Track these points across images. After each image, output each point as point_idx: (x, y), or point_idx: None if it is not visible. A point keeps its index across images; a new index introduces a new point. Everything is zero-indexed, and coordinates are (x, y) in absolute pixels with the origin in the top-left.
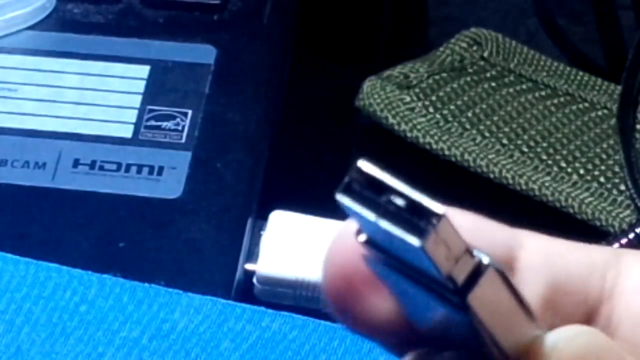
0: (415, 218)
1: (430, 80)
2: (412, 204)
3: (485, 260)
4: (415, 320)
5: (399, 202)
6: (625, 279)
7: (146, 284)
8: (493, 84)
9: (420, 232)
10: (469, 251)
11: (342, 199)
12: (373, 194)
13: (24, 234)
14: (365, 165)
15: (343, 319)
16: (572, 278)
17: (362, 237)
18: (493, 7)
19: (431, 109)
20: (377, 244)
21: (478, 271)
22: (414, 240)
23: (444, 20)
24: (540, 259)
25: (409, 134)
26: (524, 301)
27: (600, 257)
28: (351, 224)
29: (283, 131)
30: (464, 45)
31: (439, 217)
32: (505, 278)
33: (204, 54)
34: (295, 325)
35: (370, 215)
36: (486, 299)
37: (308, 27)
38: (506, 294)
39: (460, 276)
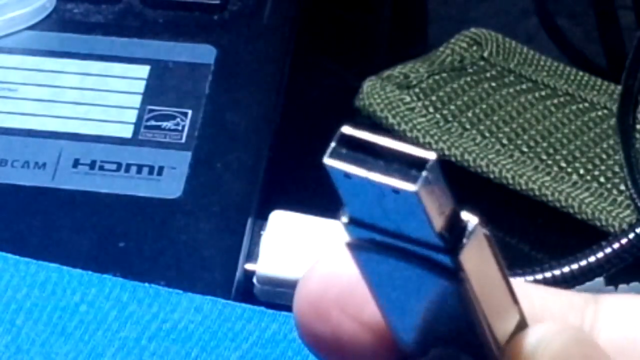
0: (406, 167)
1: (430, 80)
2: (400, 156)
3: (474, 220)
4: (398, 321)
5: (388, 156)
6: (604, 316)
7: (146, 284)
8: (493, 84)
9: (413, 179)
10: (456, 211)
11: (331, 162)
12: (361, 154)
13: (24, 234)
14: (349, 129)
15: (317, 350)
16: (549, 313)
17: (345, 219)
18: (493, 7)
19: (431, 109)
20: (363, 222)
21: (466, 232)
22: (408, 186)
23: (444, 20)
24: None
25: (409, 134)
26: (506, 275)
27: (579, 297)
28: (322, 261)
29: (283, 131)
30: (464, 45)
31: (429, 161)
32: (491, 243)
33: (204, 54)
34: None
35: (360, 171)
36: (475, 262)
37: (308, 27)
38: (493, 263)
39: (451, 234)
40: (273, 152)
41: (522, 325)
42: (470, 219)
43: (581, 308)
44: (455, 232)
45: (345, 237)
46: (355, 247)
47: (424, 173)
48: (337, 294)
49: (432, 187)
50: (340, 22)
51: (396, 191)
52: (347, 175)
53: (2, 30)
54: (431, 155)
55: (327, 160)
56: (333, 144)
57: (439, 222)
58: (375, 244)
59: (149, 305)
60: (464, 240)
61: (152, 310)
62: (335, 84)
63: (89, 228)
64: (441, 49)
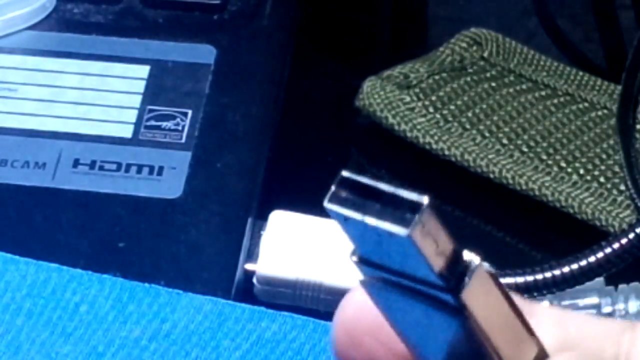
0: (400, 211)
1: (430, 80)
2: (396, 200)
3: (476, 260)
4: (418, 353)
5: (384, 200)
6: None
7: (146, 284)
8: (493, 84)
9: (406, 222)
10: (456, 251)
11: (330, 206)
12: (359, 198)
13: (23, 234)
14: (348, 174)
15: None
16: (584, 340)
17: (354, 257)
18: (493, 7)
19: (431, 109)
20: (371, 261)
21: (469, 272)
22: (400, 230)
23: (444, 20)
24: (551, 322)
25: (409, 134)
26: (518, 309)
27: (615, 324)
28: (358, 290)
29: (283, 131)
30: (464, 45)
31: (422, 205)
32: (497, 281)
33: (204, 54)
34: (295, 325)
35: (357, 215)
36: (480, 300)
37: (308, 27)
38: (500, 300)
39: (452, 274)
40: (273, 152)
41: (541, 356)
42: (472, 258)
43: (617, 335)
44: (457, 272)
45: (358, 274)
46: (368, 285)
47: (417, 217)
48: (370, 322)
49: (427, 229)
50: (340, 22)
51: (391, 235)
52: (346, 219)
53: (2, 30)
54: (424, 200)
55: (327, 204)
56: (333, 188)
57: (438, 263)
58: (386, 282)
59: (149, 305)
60: (466, 279)
61: (152, 310)
62: (335, 84)
63: (89, 228)
64: (441, 49)
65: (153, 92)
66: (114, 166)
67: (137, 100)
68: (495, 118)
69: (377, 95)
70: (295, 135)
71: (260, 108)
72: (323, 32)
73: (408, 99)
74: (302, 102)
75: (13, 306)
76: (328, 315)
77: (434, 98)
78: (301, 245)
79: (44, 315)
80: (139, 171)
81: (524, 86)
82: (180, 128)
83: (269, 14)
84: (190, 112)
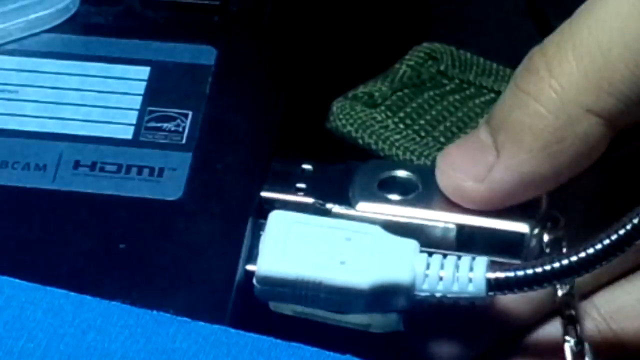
0: None
1: (394, 98)
2: None
3: None
4: None
5: None
6: None
7: (154, 312)
8: (457, 97)
9: None
10: None
11: None
12: None
13: (24, 235)
14: None
15: None
16: None
17: None
18: (493, 7)
19: (402, 126)
20: None
21: None
22: None
23: (444, 20)
24: None
25: (387, 153)
26: None
27: None
28: None
29: (283, 132)
30: (420, 60)
31: None
32: None
33: (205, 55)
34: (305, 357)
35: None
36: None
37: (308, 28)
38: None
39: None
40: (273, 152)
41: None
42: None
43: None
44: None
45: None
46: None
47: None
48: None
49: None
50: (341, 23)
51: None
52: None
53: (24, 32)
54: None
55: None
56: None
57: None
58: None
59: (156, 333)
60: None
61: (160, 338)
62: (335, 85)
63: (89, 229)
64: (397, 65)
65: (153, 94)
66: (114, 167)
67: (137, 102)
68: (468, 130)
69: (349, 115)
70: (295, 135)
71: (260, 109)
72: (323, 32)
73: (379, 117)
74: (302, 102)
75: (19, 333)
76: (339, 344)
77: (402, 115)
78: (301, 244)
79: (52, 343)
80: (139, 172)
81: (487, 97)
82: (180, 129)
83: (270, 14)
84: (190, 113)
